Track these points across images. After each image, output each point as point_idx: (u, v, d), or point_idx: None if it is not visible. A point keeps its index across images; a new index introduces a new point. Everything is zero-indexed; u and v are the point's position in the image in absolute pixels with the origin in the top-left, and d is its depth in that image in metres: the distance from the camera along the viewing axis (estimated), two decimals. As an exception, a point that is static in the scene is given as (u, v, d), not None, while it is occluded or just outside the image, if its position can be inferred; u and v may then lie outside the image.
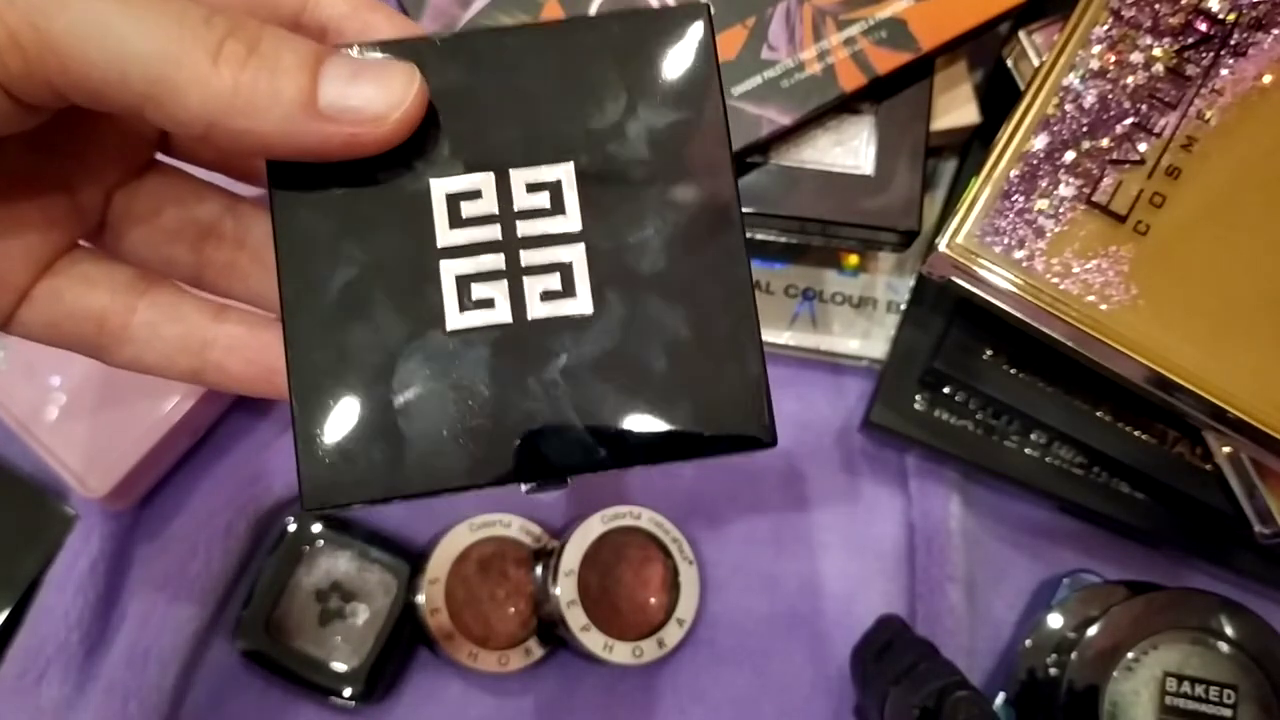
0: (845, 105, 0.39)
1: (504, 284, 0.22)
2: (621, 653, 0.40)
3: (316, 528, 0.42)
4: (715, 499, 0.45)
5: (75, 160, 0.24)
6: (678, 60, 0.23)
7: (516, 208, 0.22)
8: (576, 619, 0.40)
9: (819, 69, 0.38)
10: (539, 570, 0.42)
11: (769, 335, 0.45)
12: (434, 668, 0.42)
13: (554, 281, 0.22)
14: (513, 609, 0.42)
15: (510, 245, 0.22)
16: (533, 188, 0.23)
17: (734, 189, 0.23)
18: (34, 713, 0.39)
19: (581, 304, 0.22)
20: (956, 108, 0.42)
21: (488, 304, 0.22)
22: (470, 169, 0.22)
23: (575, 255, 0.22)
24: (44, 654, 0.40)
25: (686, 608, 0.42)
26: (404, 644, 0.41)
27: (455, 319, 0.22)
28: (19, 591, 0.41)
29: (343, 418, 0.22)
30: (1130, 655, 0.38)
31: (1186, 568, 0.44)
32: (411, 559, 0.42)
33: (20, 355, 0.40)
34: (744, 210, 0.39)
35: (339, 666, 0.40)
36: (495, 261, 0.22)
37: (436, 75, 0.22)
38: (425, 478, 0.22)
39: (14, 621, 0.40)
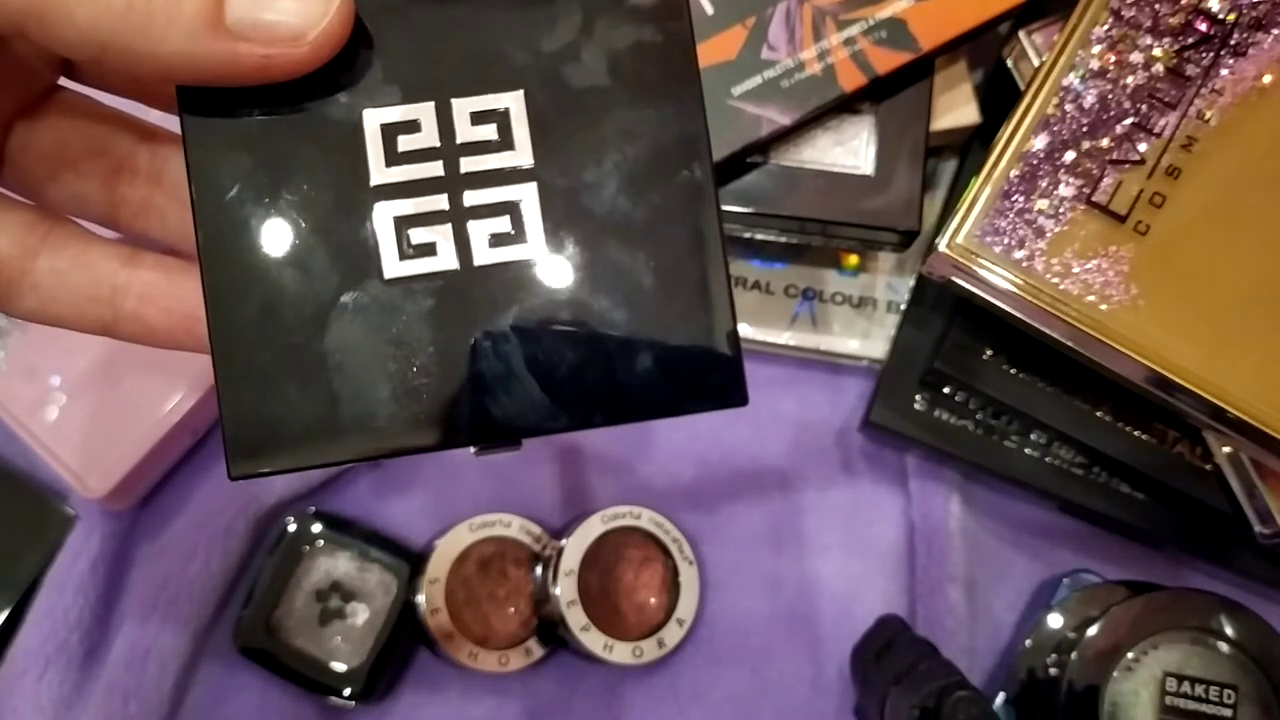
0: (845, 105, 0.39)
1: (448, 227, 0.20)
2: (621, 653, 0.40)
3: (316, 528, 0.42)
4: (715, 499, 0.45)
5: None
6: None
7: (460, 141, 0.20)
8: (576, 619, 0.40)
9: (819, 69, 0.38)
10: (539, 570, 0.42)
11: (769, 335, 0.45)
12: (434, 668, 0.42)
13: (503, 224, 0.20)
14: (513, 609, 0.42)
15: (454, 184, 0.20)
16: (478, 118, 0.20)
17: (702, 118, 0.21)
18: (34, 713, 0.39)
19: (533, 249, 0.20)
20: (956, 108, 0.42)
21: (429, 250, 0.20)
22: (407, 97, 0.20)
23: (526, 194, 0.20)
24: (44, 654, 0.40)
25: (686, 608, 0.42)
26: (404, 644, 0.41)
27: (394, 266, 0.20)
28: (19, 591, 0.41)
29: (270, 376, 0.20)
30: (1130, 655, 0.38)
31: (1186, 568, 0.44)
32: (411, 559, 0.42)
33: (20, 355, 0.40)
34: (744, 210, 0.39)
35: (339, 666, 0.40)
36: (437, 202, 0.20)
37: None
38: (362, 441, 0.20)
39: (14, 621, 0.40)
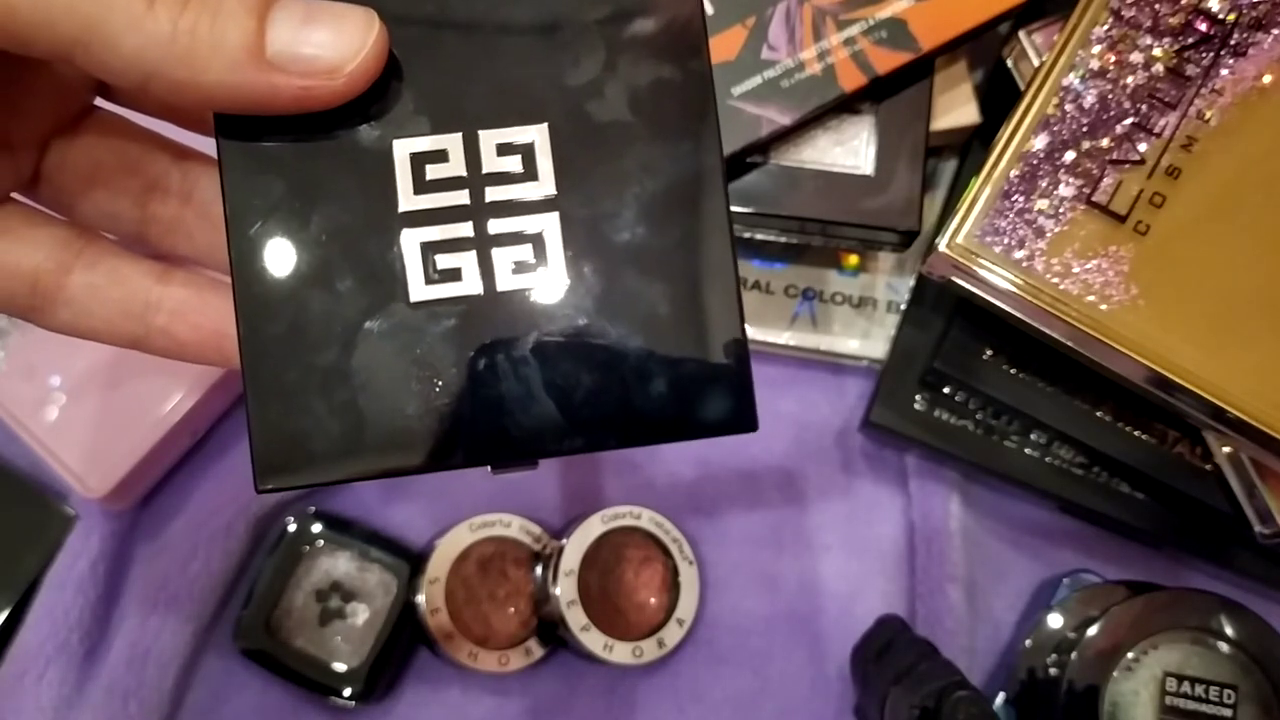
0: (845, 105, 0.39)
1: (472, 254, 0.21)
2: (621, 653, 0.40)
3: (316, 528, 0.42)
4: (715, 499, 0.45)
5: (3, 106, 0.22)
6: (661, 12, 0.22)
7: (485, 171, 0.21)
8: (576, 619, 0.40)
9: (819, 69, 0.38)
10: (539, 570, 0.42)
11: (769, 335, 0.45)
12: (434, 668, 0.42)
13: (525, 251, 0.21)
14: (513, 609, 0.42)
15: (479, 212, 0.21)
16: (503, 150, 0.21)
17: (719, 154, 0.21)
18: (34, 713, 0.39)
19: (554, 276, 0.21)
20: (956, 108, 0.42)
21: (454, 275, 0.21)
22: (436, 128, 0.21)
23: (548, 224, 0.21)
24: (44, 654, 0.40)
25: (686, 608, 0.42)
26: (404, 644, 0.41)
27: (420, 290, 0.21)
28: (19, 591, 0.41)
29: (298, 393, 0.20)
30: (1130, 655, 0.38)
31: (1186, 568, 0.44)
32: (411, 559, 0.42)
33: (20, 355, 0.40)
34: (744, 210, 0.39)
35: (339, 666, 0.40)
36: (463, 229, 0.21)
37: (398, 21, 0.21)
38: (384, 459, 0.21)
39: (14, 621, 0.40)
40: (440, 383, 0.21)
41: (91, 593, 0.41)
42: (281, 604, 0.41)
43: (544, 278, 0.21)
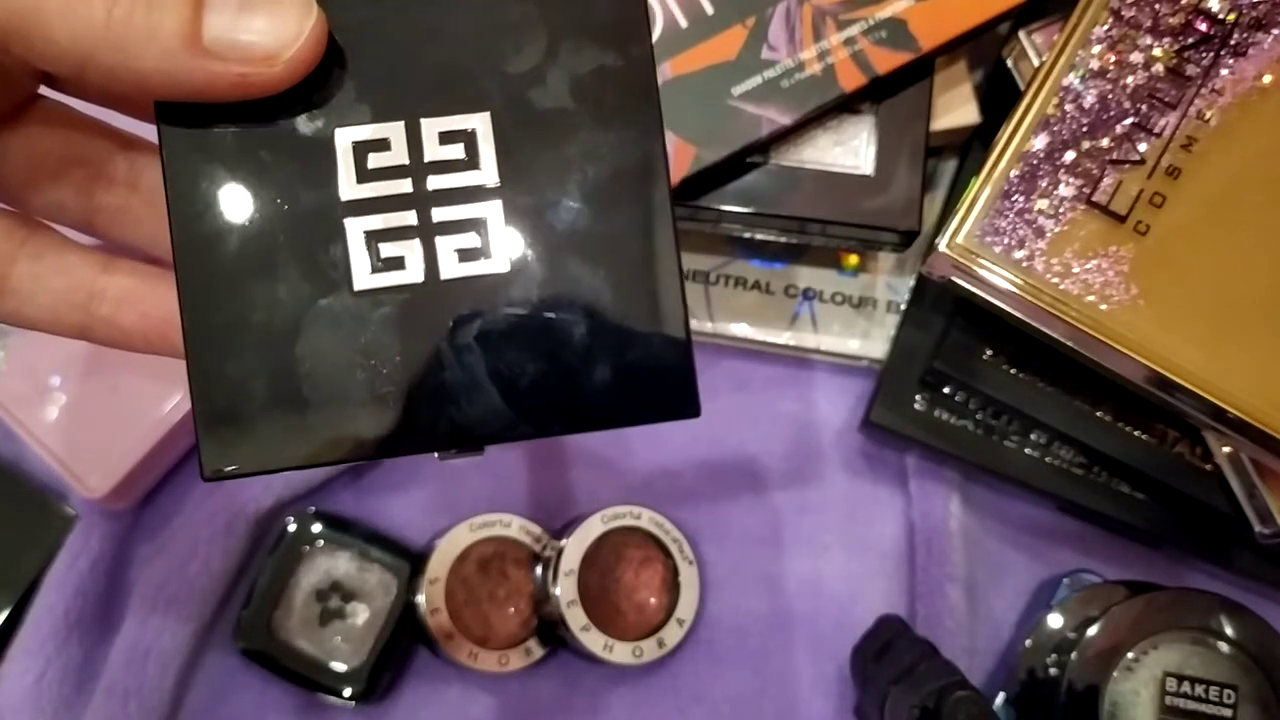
0: (845, 105, 0.39)
1: (416, 242, 0.21)
2: (621, 653, 0.40)
3: (316, 527, 0.42)
4: (715, 499, 0.45)
5: None
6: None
7: (428, 159, 0.21)
8: (576, 619, 0.40)
9: (819, 69, 0.38)
10: (539, 570, 0.42)
11: (769, 335, 0.45)
12: (434, 668, 0.42)
13: (469, 239, 0.21)
14: (513, 609, 0.42)
15: (422, 200, 0.21)
16: (446, 138, 0.21)
17: (660, 141, 0.22)
18: (34, 713, 0.39)
19: (498, 264, 0.21)
20: (956, 108, 0.42)
21: (398, 263, 0.21)
22: (378, 116, 0.21)
23: (491, 211, 0.21)
24: (44, 654, 0.40)
25: (686, 608, 0.42)
26: (404, 644, 0.41)
27: (364, 279, 0.21)
28: (19, 591, 0.41)
29: (243, 381, 0.21)
30: (1130, 655, 0.38)
31: (1186, 568, 0.44)
32: (411, 559, 0.42)
33: (20, 355, 0.40)
34: (744, 210, 0.39)
35: (339, 666, 0.40)
36: (406, 218, 0.21)
37: (338, 8, 0.21)
38: (330, 446, 0.21)
39: (14, 621, 0.40)
40: (384, 371, 0.21)
41: (91, 593, 0.41)
42: (281, 604, 0.41)
43: (488, 266, 0.21)
